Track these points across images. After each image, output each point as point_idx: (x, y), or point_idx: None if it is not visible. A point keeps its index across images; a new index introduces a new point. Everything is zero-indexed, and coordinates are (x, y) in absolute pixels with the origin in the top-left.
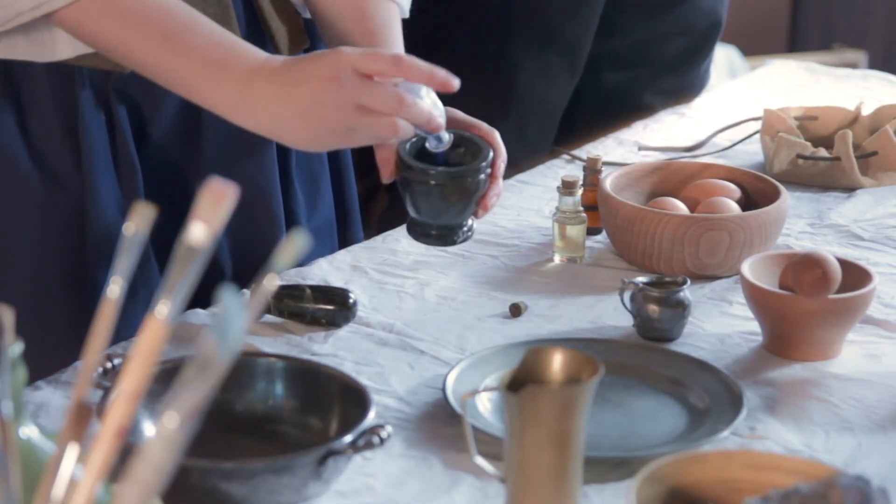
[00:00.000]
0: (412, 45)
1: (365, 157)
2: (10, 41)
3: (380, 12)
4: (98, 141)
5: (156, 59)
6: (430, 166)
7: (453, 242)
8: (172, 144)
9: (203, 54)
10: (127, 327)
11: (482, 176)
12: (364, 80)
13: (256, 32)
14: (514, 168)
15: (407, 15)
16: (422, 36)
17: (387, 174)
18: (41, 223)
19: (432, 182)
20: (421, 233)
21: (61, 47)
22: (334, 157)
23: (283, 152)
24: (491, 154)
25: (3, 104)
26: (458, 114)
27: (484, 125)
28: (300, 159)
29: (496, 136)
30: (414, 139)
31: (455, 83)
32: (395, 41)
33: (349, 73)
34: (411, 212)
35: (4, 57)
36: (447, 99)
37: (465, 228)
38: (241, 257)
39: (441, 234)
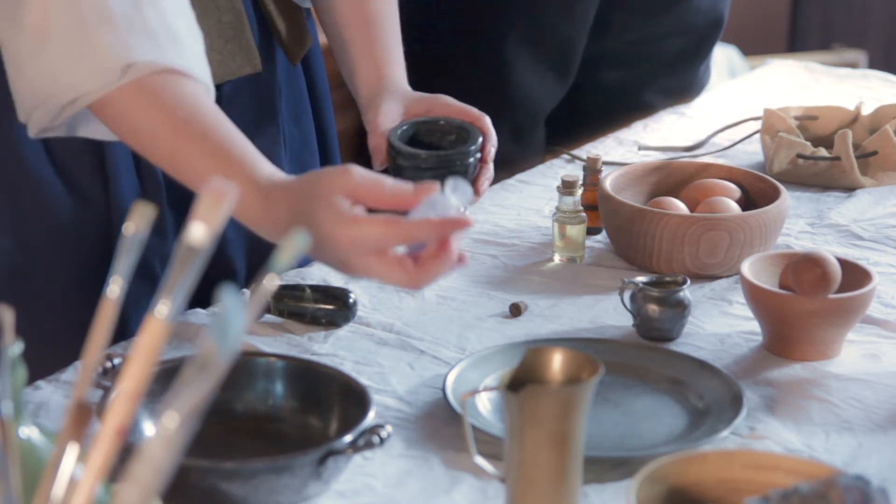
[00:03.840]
0: (407, 45)
1: (364, 155)
2: (74, 126)
3: (377, 2)
4: (122, 155)
5: (175, 146)
6: (421, 151)
7: None
8: None
9: (227, 162)
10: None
11: (471, 160)
12: (370, 258)
13: (266, 36)
14: (509, 167)
15: None
16: (416, 35)
17: (378, 161)
18: (67, 239)
19: (423, 166)
20: None
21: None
22: (325, 155)
23: (275, 154)
24: (480, 139)
25: None
26: (449, 100)
27: (474, 110)
28: (293, 157)
29: (486, 120)
30: (405, 126)
31: (468, 224)
32: (392, 32)
33: (340, 201)
34: None
35: (86, 136)
36: (441, 90)
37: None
38: (253, 255)
39: None
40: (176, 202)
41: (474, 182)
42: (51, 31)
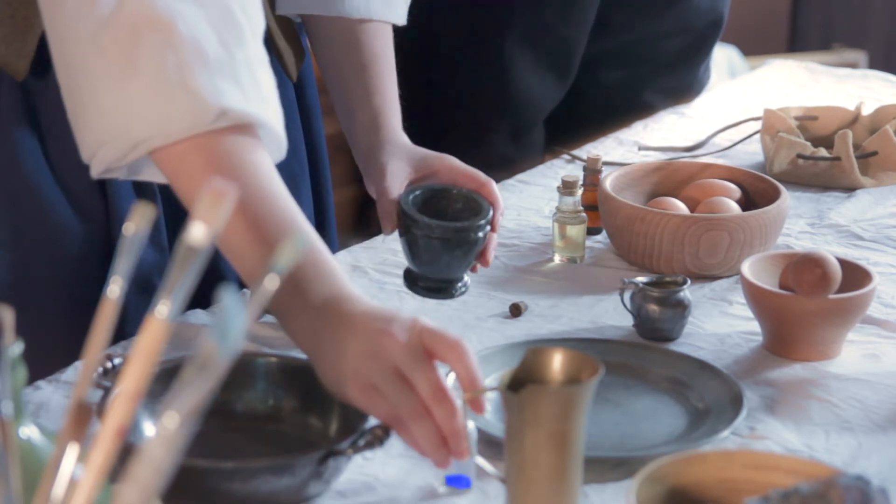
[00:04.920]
0: (406, 45)
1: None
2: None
3: (374, 42)
4: None
5: (233, 238)
6: (434, 221)
7: (451, 296)
8: None
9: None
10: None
11: (481, 233)
12: (420, 352)
13: (267, 53)
14: (508, 168)
15: (404, 22)
16: (416, 36)
17: (388, 227)
18: (67, 254)
19: (435, 236)
20: (419, 285)
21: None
22: (314, 165)
23: None
24: (491, 211)
25: (24, 129)
26: (454, 161)
27: (480, 175)
28: (281, 166)
29: (493, 186)
30: (417, 192)
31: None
32: (388, 75)
33: (404, 332)
34: (410, 264)
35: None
36: (443, 108)
37: (461, 283)
38: None
39: (440, 287)
40: (173, 217)
41: (483, 251)
42: (140, 61)
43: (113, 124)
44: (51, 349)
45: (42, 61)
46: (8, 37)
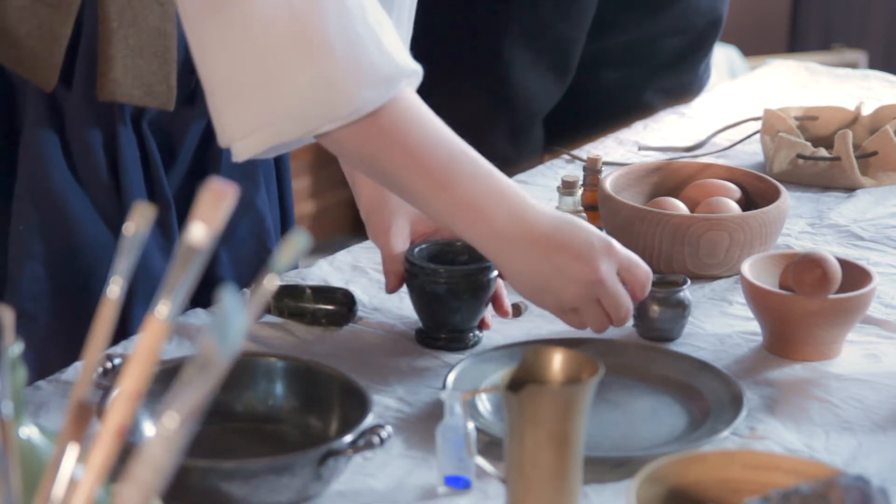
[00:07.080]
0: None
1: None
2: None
3: None
4: (135, 177)
5: (421, 188)
6: (441, 266)
7: (466, 346)
8: (195, 175)
9: (469, 197)
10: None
11: (488, 277)
12: (617, 283)
13: None
14: (508, 167)
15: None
16: (414, 34)
17: (391, 286)
18: (91, 256)
19: (442, 281)
20: (431, 337)
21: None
22: (280, 169)
23: (252, 164)
24: None
25: (50, 139)
26: None
27: None
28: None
29: None
30: (423, 246)
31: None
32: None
33: (611, 270)
34: (421, 319)
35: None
36: (441, 107)
37: (474, 333)
38: (237, 265)
39: (453, 337)
40: (183, 216)
41: (498, 302)
42: (332, 44)
43: (299, 104)
44: (74, 353)
45: (69, 71)
46: (35, 49)
